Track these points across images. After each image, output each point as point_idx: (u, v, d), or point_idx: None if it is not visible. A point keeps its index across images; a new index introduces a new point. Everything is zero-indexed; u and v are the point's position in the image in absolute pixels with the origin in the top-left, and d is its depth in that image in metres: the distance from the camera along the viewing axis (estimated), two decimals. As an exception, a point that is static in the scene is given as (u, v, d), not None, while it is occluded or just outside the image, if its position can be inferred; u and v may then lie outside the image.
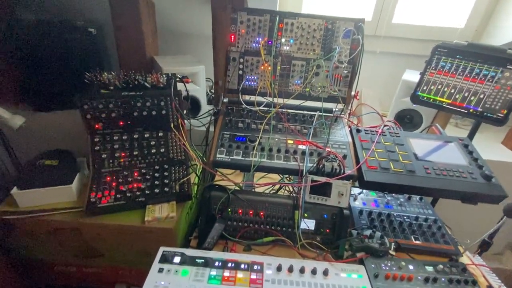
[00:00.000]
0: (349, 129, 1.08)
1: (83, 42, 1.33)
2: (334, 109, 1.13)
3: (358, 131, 1.05)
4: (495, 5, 1.64)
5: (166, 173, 1.03)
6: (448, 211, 1.35)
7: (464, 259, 0.94)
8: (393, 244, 0.91)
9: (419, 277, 0.82)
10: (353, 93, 1.11)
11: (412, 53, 1.70)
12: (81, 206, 0.94)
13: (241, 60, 1.07)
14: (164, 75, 1.11)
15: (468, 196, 0.86)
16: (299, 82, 1.09)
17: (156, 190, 0.98)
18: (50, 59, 1.30)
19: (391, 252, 0.89)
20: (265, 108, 1.08)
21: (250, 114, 1.08)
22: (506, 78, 0.97)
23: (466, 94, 1.05)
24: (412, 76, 1.43)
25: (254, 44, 1.06)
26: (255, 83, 1.10)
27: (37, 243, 1.01)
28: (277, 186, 1.11)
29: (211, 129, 1.07)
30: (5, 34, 1.24)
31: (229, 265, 0.80)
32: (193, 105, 1.39)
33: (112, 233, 0.96)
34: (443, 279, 0.82)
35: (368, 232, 0.92)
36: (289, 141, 0.99)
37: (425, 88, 1.14)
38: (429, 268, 0.86)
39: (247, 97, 1.13)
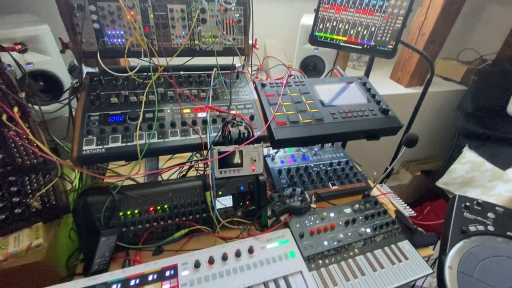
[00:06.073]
0: (254, 85, 0.95)
1: None
2: (236, 65, 0.96)
3: (263, 85, 0.93)
4: None
5: (13, 188, 0.71)
6: (354, 149, 1.45)
7: (375, 191, 1.00)
8: (313, 196, 0.88)
9: (340, 223, 0.82)
10: (251, 42, 0.96)
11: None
12: None
13: (93, 7, 0.76)
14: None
15: (372, 133, 0.87)
16: (184, 33, 0.86)
17: (1, 216, 0.67)
18: None
19: (313, 205, 0.86)
20: (144, 73, 0.84)
21: (127, 83, 0.82)
22: (392, 6, 0.96)
23: (359, 29, 1.02)
24: (310, 20, 1.35)
25: (105, -17, 0.75)
26: (121, 40, 0.81)
27: None
28: (185, 168, 0.93)
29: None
30: None
31: (132, 283, 0.63)
32: (50, 84, 1.00)
33: None
34: (360, 217, 0.85)
35: (288, 192, 0.86)
36: (185, 110, 0.80)
37: (321, 26, 1.07)
38: (348, 210, 0.87)
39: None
